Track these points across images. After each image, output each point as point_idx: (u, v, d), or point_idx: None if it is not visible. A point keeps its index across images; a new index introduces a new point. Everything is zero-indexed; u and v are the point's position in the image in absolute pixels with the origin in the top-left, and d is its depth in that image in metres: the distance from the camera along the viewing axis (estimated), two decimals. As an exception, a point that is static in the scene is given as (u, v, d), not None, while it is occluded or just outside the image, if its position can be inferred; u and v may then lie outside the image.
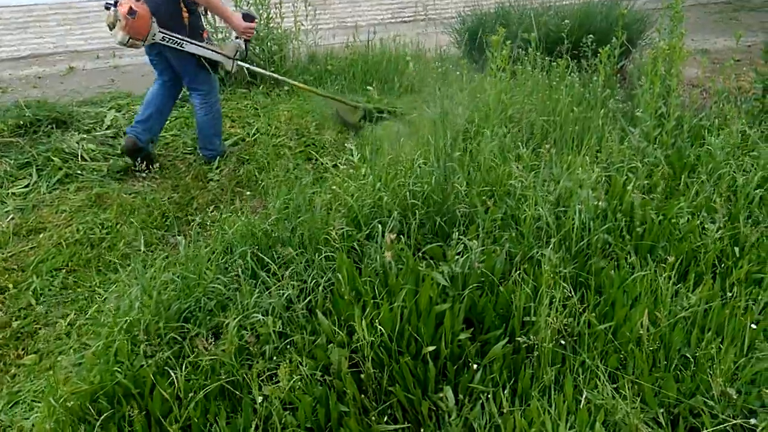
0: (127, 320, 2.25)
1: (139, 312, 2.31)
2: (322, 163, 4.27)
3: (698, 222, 2.68)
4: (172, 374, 2.03)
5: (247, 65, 4.54)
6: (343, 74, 5.91)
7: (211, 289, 2.47)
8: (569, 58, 4.33)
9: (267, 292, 2.37)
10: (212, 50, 4.08)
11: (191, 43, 3.92)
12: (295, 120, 5.01)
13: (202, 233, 3.32)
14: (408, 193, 2.87)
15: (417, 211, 2.79)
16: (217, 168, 4.22)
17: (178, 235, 3.22)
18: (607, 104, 3.91)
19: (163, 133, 4.71)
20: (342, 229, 2.65)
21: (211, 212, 3.41)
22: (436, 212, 2.80)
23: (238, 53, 4.33)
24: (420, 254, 2.58)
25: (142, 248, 3.26)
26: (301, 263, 2.51)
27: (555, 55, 4.49)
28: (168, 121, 4.84)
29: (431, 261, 2.54)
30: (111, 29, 3.67)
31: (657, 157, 3.33)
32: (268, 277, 2.48)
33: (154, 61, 4.13)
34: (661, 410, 1.90)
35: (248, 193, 3.80)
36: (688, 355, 2.05)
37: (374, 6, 9.00)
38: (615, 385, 1.96)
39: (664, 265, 2.43)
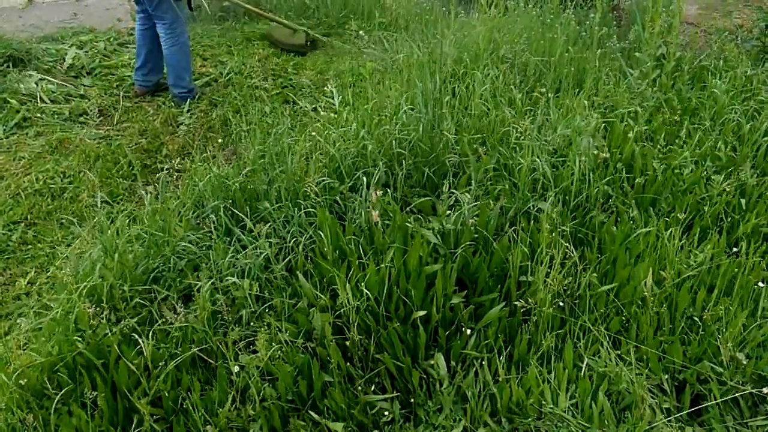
0: (87, 284, 2.04)
1: (101, 274, 2.10)
2: (300, 107, 4.00)
3: (702, 172, 2.52)
4: (140, 342, 1.85)
5: None
6: (321, 8, 5.53)
7: (181, 247, 2.27)
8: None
9: (243, 252, 2.18)
10: None
11: None
12: (271, 59, 4.68)
13: (171, 184, 3.09)
14: (394, 141, 2.65)
15: (404, 161, 2.59)
16: (188, 111, 3.93)
17: (146, 186, 3.00)
18: (604, 44, 3.68)
19: (128, 72, 4.37)
20: (323, 180, 2.45)
21: (179, 163, 3.16)
22: (424, 162, 2.60)
23: None
24: (408, 209, 2.39)
25: (102, 202, 3.02)
26: (279, 219, 2.31)
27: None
28: (128, 63, 4.50)
29: (420, 216, 2.36)
30: None
31: (657, 99, 3.13)
32: (244, 234, 2.28)
33: None
34: (666, 376, 1.79)
35: (220, 140, 3.54)
36: (695, 317, 1.93)
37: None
38: (618, 352, 1.83)
39: (668, 219, 2.28)
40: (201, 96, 4.09)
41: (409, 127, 2.70)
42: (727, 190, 2.40)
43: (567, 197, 2.38)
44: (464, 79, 3.54)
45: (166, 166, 3.13)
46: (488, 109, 2.92)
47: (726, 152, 2.67)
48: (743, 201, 2.40)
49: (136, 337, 1.88)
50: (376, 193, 2.21)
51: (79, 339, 1.88)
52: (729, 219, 2.37)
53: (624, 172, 2.55)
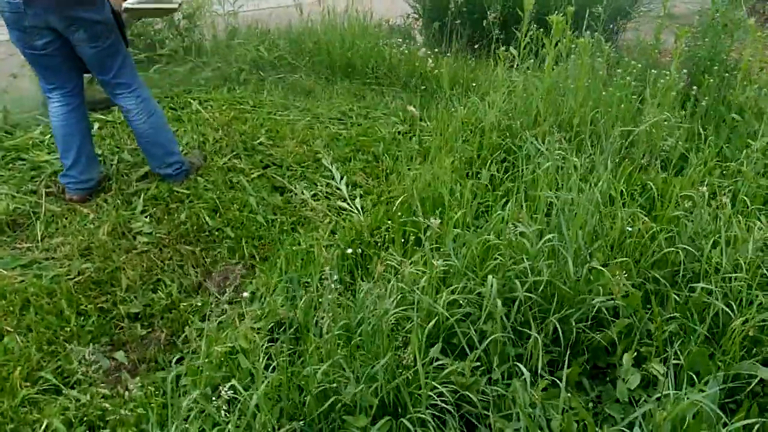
0: None
1: None
2: (295, 194, 3.07)
3: None
4: None
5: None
6: (298, 61, 4.62)
7: None
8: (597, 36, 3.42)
9: None
10: None
11: None
12: (236, 126, 3.69)
13: (159, 352, 2.07)
14: (515, 280, 1.82)
15: (532, 309, 1.78)
16: (143, 212, 2.87)
17: (106, 358, 1.99)
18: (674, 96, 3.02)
19: (45, 156, 3.22)
20: (441, 366, 1.58)
21: (160, 310, 2.16)
22: (562, 312, 1.80)
23: None
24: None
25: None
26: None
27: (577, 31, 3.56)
28: (40, 143, 3.35)
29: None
30: None
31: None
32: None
33: (42, 54, 2.61)
34: None
35: (216, 262, 2.52)
36: None
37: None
38: None
39: None
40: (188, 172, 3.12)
41: (532, 254, 1.87)
42: None
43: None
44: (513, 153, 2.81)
45: (141, 330, 2.12)
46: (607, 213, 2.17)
47: None
48: None
49: None
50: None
51: None
52: None
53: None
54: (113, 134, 3.56)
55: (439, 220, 1.86)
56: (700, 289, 1.82)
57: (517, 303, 1.76)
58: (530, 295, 1.77)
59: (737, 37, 3.36)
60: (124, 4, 2.68)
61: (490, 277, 1.62)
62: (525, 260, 1.84)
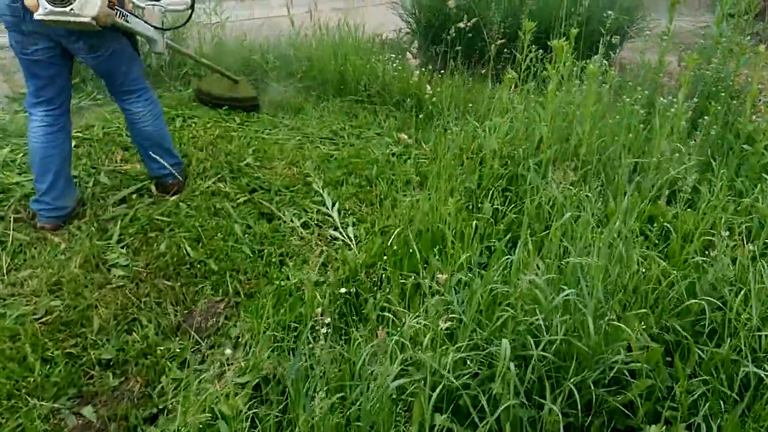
0: None
1: None
2: (284, 222, 2.88)
3: None
4: None
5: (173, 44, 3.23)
6: (288, 77, 4.45)
7: None
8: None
9: None
10: (147, 23, 2.77)
11: (131, 14, 2.62)
12: (222, 145, 3.50)
13: (133, 408, 1.87)
14: (526, 335, 1.66)
15: (545, 370, 1.62)
16: (119, 241, 2.67)
17: (72, 415, 1.80)
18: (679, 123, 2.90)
19: (15, 178, 3.01)
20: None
21: (133, 356, 1.96)
22: (578, 374, 1.64)
23: (163, 23, 2.93)
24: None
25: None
26: None
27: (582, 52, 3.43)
28: (10, 162, 3.14)
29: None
30: (57, 2, 2.21)
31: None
32: None
33: (37, 60, 2.50)
34: None
35: (197, 299, 2.31)
36: None
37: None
38: None
39: None
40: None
41: (545, 308, 1.71)
42: None
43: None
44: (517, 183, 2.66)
45: (113, 380, 1.93)
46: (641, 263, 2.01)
47: None
48: None
49: None
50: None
51: None
52: None
53: None
54: (90, 153, 3.35)
55: (444, 276, 1.69)
56: (728, 347, 1.67)
57: (531, 363, 1.59)
58: (545, 354, 1.60)
59: (743, 61, 3.24)
60: (35, 15, 2.38)
61: (504, 341, 1.45)
62: (537, 312, 1.68)
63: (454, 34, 2.93)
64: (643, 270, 1.98)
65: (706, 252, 2.13)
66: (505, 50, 4.04)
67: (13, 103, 3.90)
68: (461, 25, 2.84)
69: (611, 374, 1.64)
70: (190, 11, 2.90)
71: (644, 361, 1.70)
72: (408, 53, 2.72)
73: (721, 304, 1.80)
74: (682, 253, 2.11)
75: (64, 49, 2.52)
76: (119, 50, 2.65)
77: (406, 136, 2.60)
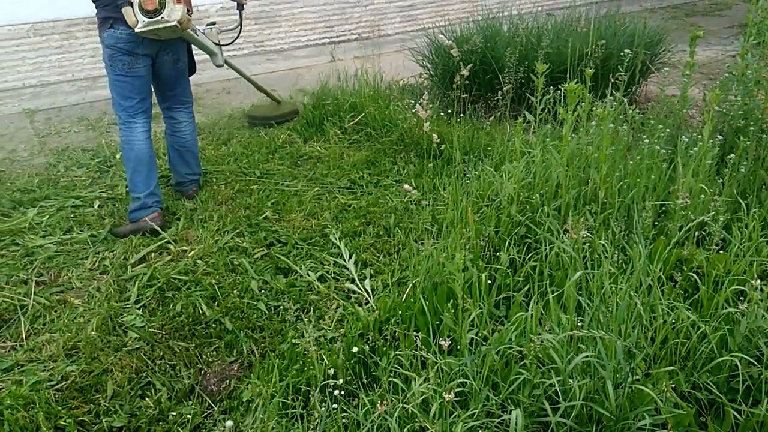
0: None
1: None
2: (300, 276, 2.85)
3: None
4: None
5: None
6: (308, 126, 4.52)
7: None
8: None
9: None
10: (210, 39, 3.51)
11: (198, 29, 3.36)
12: (241, 199, 3.52)
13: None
14: (545, 401, 1.56)
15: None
16: (137, 302, 2.67)
17: None
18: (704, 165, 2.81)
19: (39, 241, 3.07)
20: None
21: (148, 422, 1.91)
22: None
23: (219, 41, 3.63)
24: None
25: None
26: None
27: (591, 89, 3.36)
28: (35, 225, 3.22)
29: None
30: (151, 14, 2.80)
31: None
32: None
33: (138, 76, 3.06)
34: None
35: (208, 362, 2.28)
36: None
37: (296, 25, 7.55)
38: None
39: None
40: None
41: (562, 370, 1.61)
42: None
43: None
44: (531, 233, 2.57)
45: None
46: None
47: None
48: None
49: None
50: None
51: None
52: None
53: None
54: (113, 212, 3.41)
55: (449, 342, 1.61)
56: (765, 408, 1.54)
57: (550, 428, 1.49)
58: (563, 420, 1.50)
59: (773, 93, 3.12)
60: (136, 30, 2.91)
61: (515, 412, 1.36)
62: (553, 374, 1.58)
63: (460, 81, 2.91)
64: (672, 321, 1.86)
65: (740, 299, 2.00)
66: (523, 91, 4.01)
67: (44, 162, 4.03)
68: (464, 72, 2.81)
69: (637, 441, 1.52)
70: (238, 29, 3.80)
71: (674, 423, 1.58)
72: (418, 105, 2.69)
73: (754, 360, 1.67)
74: (713, 301, 1.98)
75: (150, 63, 3.08)
76: (186, 65, 3.28)
77: (409, 187, 2.57)
